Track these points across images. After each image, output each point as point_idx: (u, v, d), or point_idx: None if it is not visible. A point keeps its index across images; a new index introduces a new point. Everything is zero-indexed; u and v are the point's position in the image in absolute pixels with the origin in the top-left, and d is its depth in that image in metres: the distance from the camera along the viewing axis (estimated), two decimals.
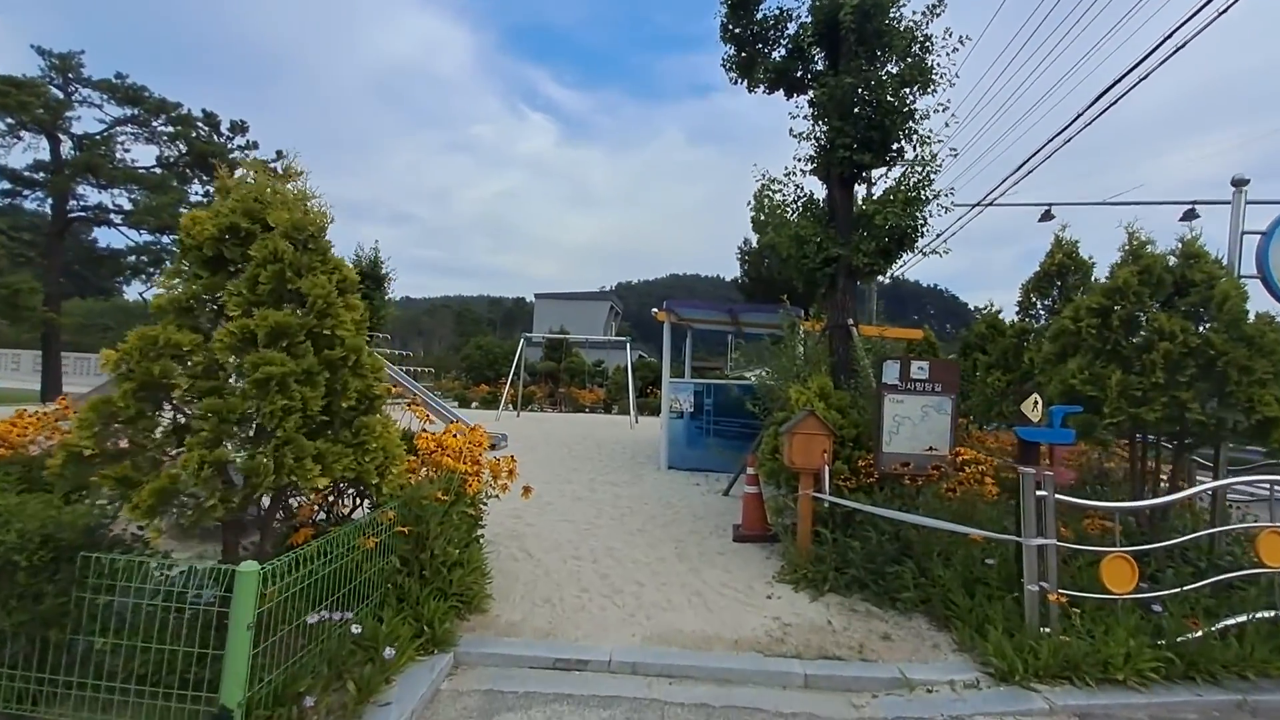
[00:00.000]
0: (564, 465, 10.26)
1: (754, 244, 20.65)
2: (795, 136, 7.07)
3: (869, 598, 4.50)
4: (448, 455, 4.50)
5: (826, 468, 5.09)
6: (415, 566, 3.85)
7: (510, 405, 22.13)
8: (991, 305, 8.77)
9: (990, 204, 13.84)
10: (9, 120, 18.73)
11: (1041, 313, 7.58)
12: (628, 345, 20.08)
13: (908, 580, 4.38)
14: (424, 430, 5.15)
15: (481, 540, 4.66)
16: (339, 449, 3.10)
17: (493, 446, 11.95)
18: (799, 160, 7.20)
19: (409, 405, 6.11)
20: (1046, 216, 12.90)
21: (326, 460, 2.99)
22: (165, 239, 20.71)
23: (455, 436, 4.80)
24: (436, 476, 4.34)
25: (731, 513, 7.11)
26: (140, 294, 26.65)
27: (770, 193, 7.32)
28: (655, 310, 11.73)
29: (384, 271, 28.23)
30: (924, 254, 7.27)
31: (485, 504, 4.78)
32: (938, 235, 14.25)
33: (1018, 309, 7.83)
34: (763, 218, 7.62)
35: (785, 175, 7.30)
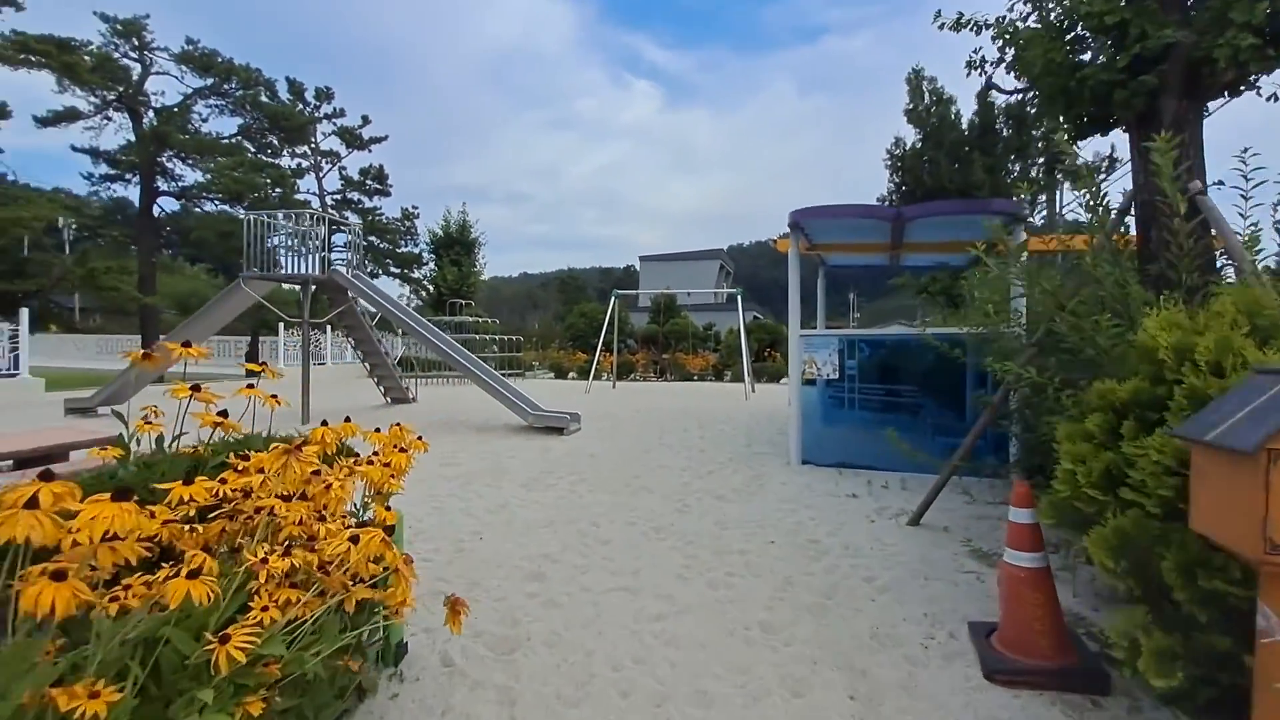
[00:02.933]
0: (646, 461, 7.07)
1: (911, 143, 15.86)
2: None
3: None
4: None
5: None
6: None
7: (605, 375, 19.37)
8: None
9: None
10: (94, 99, 18.55)
11: None
12: (739, 299, 16.44)
13: None
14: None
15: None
16: None
17: (558, 431, 9.29)
18: None
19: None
20: None
21: None
22: (241, 209, 19.89)
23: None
24: None
25: (939, 573, 3.58)
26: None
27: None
28: (774, 239, 8.24)
29: (473, 237, 26.46)
30: None
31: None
32: None
33: None
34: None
35: None
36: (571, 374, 21.82)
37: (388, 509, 2.24)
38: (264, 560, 1.65)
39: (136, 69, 19.36)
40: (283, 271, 10.59)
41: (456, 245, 25.50)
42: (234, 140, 20.98)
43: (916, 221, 6.70)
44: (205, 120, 21.18)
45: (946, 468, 4.57)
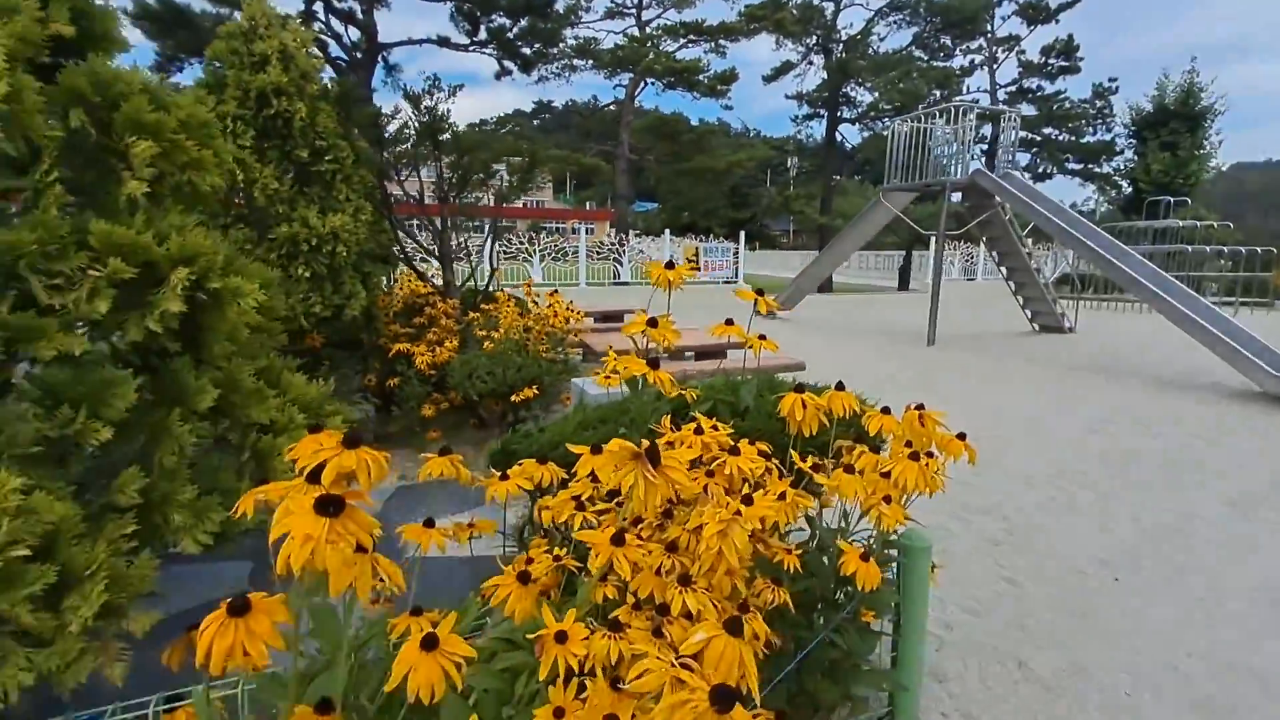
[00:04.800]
0: None
1: None
2: None
3: None
4: None
5: None
6: None
7: None
8: None
9: None
10: (799, 49, 21.78)
11: None
12: None
13: None
14: None
15: None
16: None
17: None
18: None
19: None
20: None
21: None
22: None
23: None
24: None
25: None
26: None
27: None
28: None
29: (1200, 106, 18.62)
30: None
31: None
32: None
33: None
34: None
35: None
36: None
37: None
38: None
39: (829, 8, 21.66)
40: (923, 180, 9.86)
41: (1172, 121, 18.67)
42: (905, 52, 21.09)
43: None
44: (883, 39, 22.10)
45: None
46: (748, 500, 1.11)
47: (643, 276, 16.03)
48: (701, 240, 18.50)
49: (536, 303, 5.52)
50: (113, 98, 1.07)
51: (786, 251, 33.71)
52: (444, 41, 15.49)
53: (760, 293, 1.70)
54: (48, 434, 0.90)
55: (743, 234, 17.97)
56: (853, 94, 22.63)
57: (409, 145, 4.84)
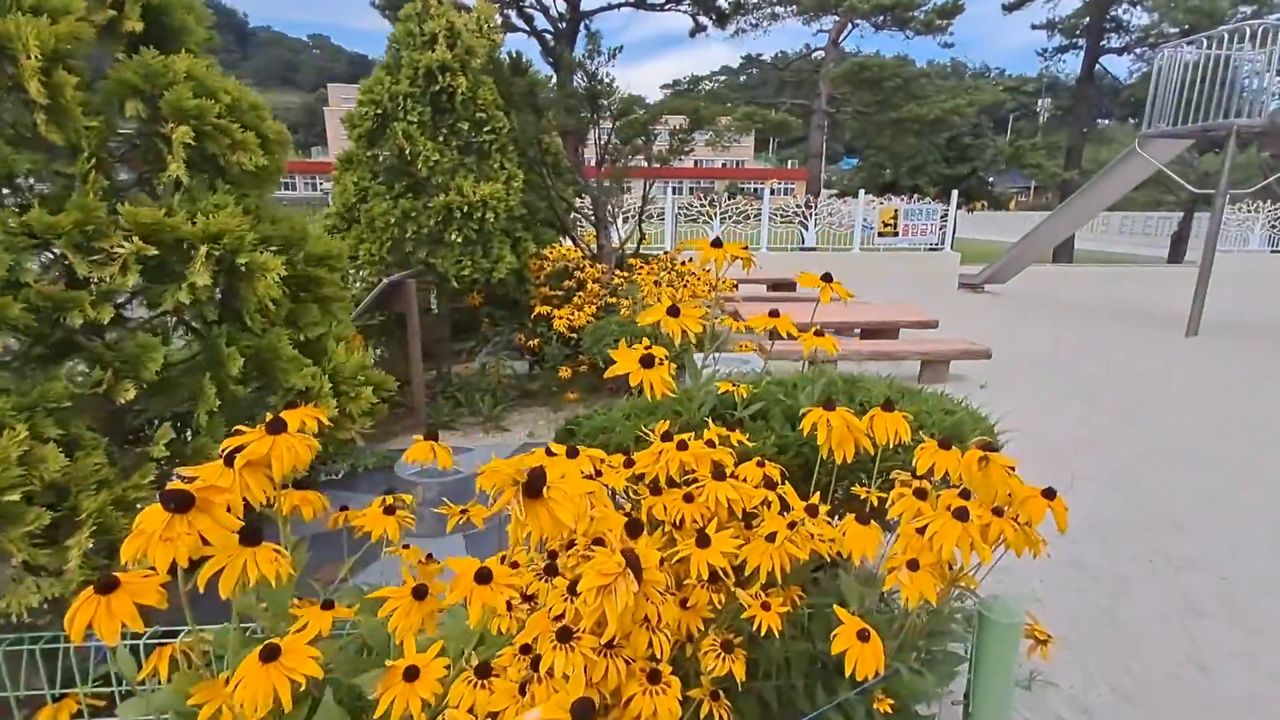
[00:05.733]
0: None
1: None
2: None
3: None
4: None
5: None
6: None
7: None
8: None
9: None
10: None
11: None
12: None
13: None
14: None
15: None
16: None
17: None
18: None
19: None
20: None
21: None
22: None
23: None
24: None
25: None
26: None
27: None
28: None
29: None
30: None
31: None
32: None
33: None
34: None
35: None
36: None
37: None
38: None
39: None
40: (1199, 125, 7.67)
41: None
42: None
43: None
44: None
45: None
46: (702, 540, 0.93)
47: (829, 242, 14.95)
48: (904, 201, 16.68)
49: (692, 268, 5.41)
50: (162, 87, 1.21)
51: (1026, 213, 28.97)
52: (640, 3, 15.55)
53: (828, 278, 1.40)
54: (75, 391, 1.07)
55: (954, 193, 15.83)
56: (1124, 16, 18.30)
57: (566, 112, 4.94)
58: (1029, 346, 6.59)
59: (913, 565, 0.94)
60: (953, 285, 12.28)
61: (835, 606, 0.95)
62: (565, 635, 0.76)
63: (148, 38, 1.26)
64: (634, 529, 0.84)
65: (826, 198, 16.63)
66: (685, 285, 4.66)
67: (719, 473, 1.03)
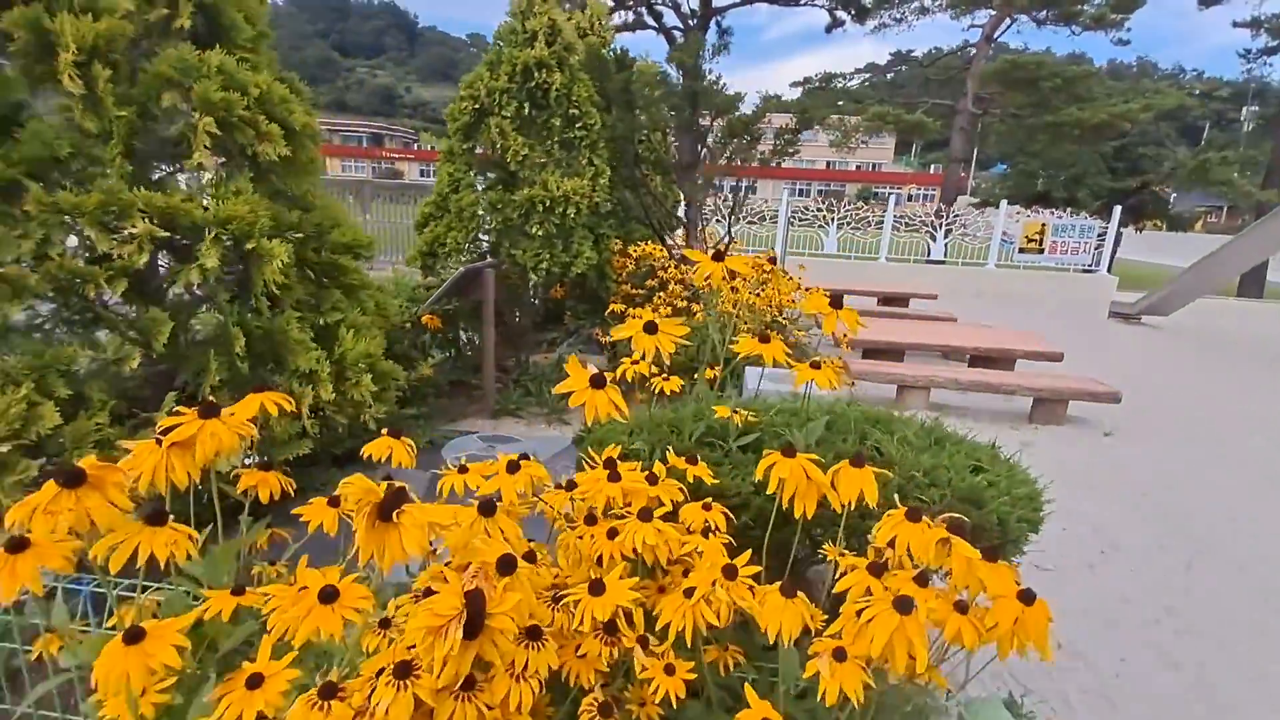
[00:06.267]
0: None
1: None
2: None
3: None
4: None
5: None
6: None
7: None
8: None
9: None
10: None
11: None
12: None
13: None
14: None
15: None
16: None
17: None
18: None
19: None
20: None
21: None
22: None
23: None
24: None
25: None
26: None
27: None
28: None
29: None
30: None
31: None
32: None
33: None
34: None
35: None
36: None
37: None
38: None
39: None
40: None
41: None
42: None
43: None
44: None
45: None
46: (596, 588, 0.85)
47: (959, 255, 13.77)
48: (1054, 215, 15.02)
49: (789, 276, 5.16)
50: (194, 80, 1.31)
51: (1217, 236, 25.06)
52: None
53: (838, 303, 1.24)
54: (96, 357, 1.19)
55: (1117, 209, 14.04)
56: None
57: (663, 109, 4.88)
58: (1180, 396, 5.67)
59: (839, 655, 0.80)
60: (1102, 313, 10.89)
61: (746, 687, 0.84)
62: (404, 671, 0.72)
63: (206, 35, 1.39)
64: (506, 565, 0.78)
65: (963, 206, 15.31)
66: (759, 294, 4.46)
67: (645, 514, 0.94)
